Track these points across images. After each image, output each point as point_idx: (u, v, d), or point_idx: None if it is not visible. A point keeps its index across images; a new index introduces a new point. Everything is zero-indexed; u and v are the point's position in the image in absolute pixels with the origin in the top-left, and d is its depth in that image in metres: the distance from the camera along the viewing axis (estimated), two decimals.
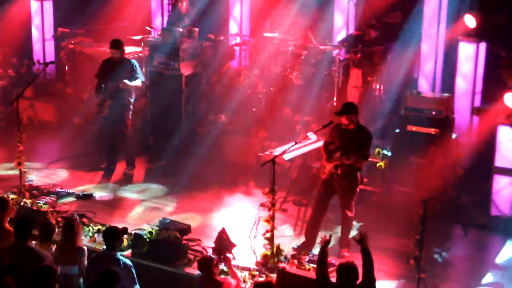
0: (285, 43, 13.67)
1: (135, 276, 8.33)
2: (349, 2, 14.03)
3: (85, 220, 10.50)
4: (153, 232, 9.87)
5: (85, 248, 8.71)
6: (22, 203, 10.75)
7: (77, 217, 9.09)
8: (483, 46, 12.43)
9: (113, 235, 8.51)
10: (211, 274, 8.33)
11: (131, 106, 12.30)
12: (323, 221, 10.05)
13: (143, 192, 12.03)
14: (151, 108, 13.53)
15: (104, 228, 9.02)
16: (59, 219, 10.44)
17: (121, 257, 8.40)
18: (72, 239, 8.63)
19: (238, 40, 14.95)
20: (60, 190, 11.68)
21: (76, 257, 8.52)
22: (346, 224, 9.99)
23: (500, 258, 10.27)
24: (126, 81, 11.99)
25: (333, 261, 8.98)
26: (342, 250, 9.93)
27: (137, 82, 12.17)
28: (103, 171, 12.49)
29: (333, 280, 7.83)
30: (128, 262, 8.40)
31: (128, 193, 11.98)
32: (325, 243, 8.17)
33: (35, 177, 12.12)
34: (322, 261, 8.02)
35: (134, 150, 12.77)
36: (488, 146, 11.26)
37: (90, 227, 10.36)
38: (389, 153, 11.56)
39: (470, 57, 12.44)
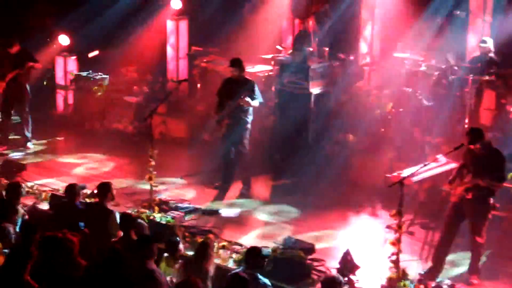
0: (416, 63, 13.48)
1: None
2: (484, 23, 13.66)
3: (211, 236, 10.59)
4: (277, 250, 9.87)
5: (211, 270, 8.62)
6: (151, 217, 10.97)
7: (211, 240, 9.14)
8: None
9: (256, 255, 8.46)
10: None
11: (249, 126, 12.29)
12: (452, 246, 9.79)
13: (269, 209, 12.03)
14: (279, 126, 13.60)
15: (249, 247, 9.00)
16: (186, 234, 10.64)
17: (261, 277, 8.30)
18: (203, 260, 8.61)
19: (368, 60, 14.84)
20: (188, 205, 11.83)
21: (203, 278, 8.35)
22: (476, 251, 9.66)
23: None
24: (248, 99, 12.04)
25: None
26: (471, 277, 9.62)
27: (256, 103, 12.15)
28: (217, 190, 12.52)
29: None
30: (268, 282, 8.32)
31: (254, 210, 12.03)
32: None
33: (165, 192, 12.33)
34: None
35: (251, 170, 12.71)
36: None
37: (215, 243, 10.32)
38: None
39: None
